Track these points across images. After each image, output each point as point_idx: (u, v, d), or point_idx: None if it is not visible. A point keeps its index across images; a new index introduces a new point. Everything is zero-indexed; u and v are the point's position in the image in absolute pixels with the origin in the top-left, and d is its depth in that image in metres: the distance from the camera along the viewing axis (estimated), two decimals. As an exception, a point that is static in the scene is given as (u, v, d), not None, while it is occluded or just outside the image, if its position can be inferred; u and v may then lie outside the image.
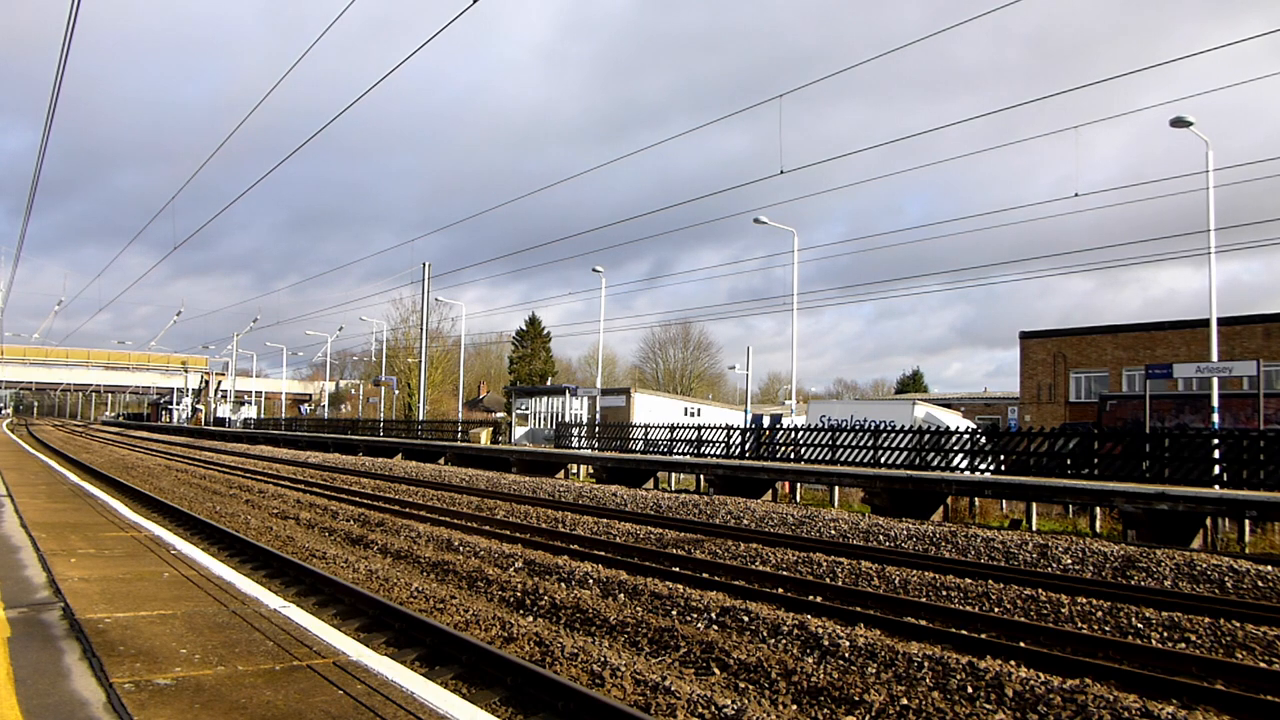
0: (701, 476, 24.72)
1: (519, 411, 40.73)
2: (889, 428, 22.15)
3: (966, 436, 21.25)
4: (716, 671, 6.74)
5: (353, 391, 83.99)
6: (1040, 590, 9.59)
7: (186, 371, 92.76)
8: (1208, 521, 15.18)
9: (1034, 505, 18.29)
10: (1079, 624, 8.49)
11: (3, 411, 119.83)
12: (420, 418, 50.60)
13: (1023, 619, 8.62)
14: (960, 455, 20.25)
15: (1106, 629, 8.28)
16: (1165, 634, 8.02)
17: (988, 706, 5.80)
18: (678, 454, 27.66)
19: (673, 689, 6.22)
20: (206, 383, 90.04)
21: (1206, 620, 8.24)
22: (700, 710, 5.82)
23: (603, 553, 12.30)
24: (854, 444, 22.51)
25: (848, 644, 7.10)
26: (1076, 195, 23.72)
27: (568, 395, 39.54)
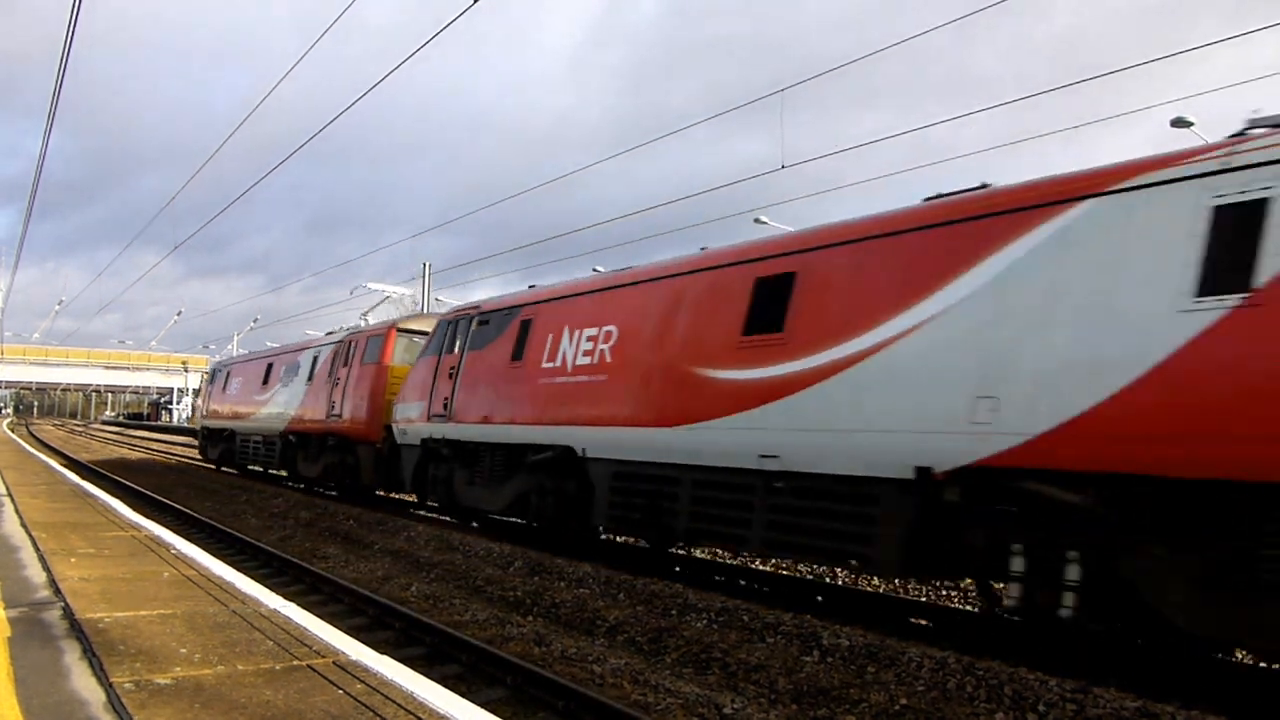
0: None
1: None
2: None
3: None
4: (716, 671, 6.74)
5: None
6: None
7: (187, 371, 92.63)
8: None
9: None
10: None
11: (3, 411, 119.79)
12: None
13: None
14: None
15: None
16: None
17: (988, 706, 5.80)
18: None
19: (673, 688, 6.23)
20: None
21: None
22: (700, 710, 5.83)
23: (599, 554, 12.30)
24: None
25: (848, 644, 7.09)
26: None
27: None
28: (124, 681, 3.86)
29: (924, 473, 6.99)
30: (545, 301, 12.06)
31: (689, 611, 8.24)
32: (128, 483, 21.98)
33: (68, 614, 5.11)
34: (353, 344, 18.29)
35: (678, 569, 10.98)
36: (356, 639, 5.00)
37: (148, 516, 11.10)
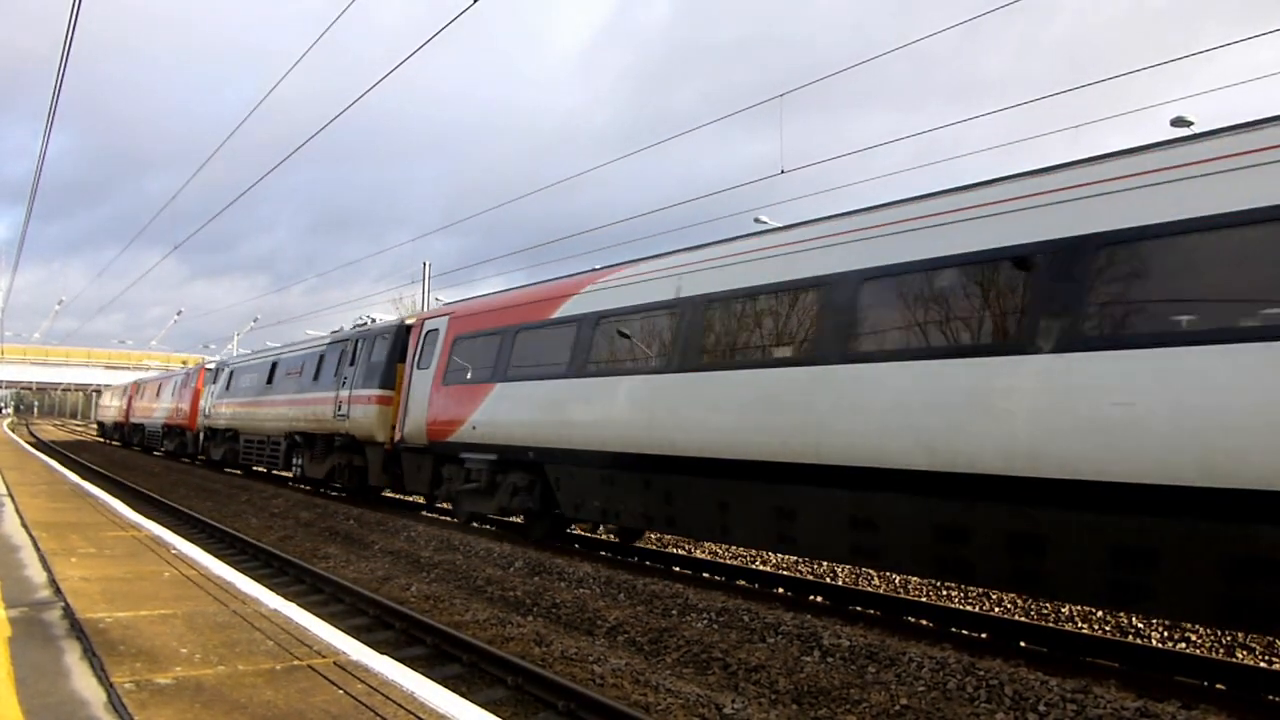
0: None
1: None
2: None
3: None
4: (717, 671, 6.74)
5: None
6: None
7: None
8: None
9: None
10: (1079, 623, 8.50)
11: (3, 411, 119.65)
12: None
13: (1022, 619, 8.63)
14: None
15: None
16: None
17: (989, 706, 5.80)
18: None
19: (673, 688, 6.23)
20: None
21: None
22: (700, 710, 5.83)
23: (603, 552, 12.30)
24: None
25: (848, 644, 7.10)
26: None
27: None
28: (124, 681, 3.86)
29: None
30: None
31: (689, 612, 8.24)
32: (128, 482, 21.98)
33: (68, 614, 5.11)
34: None
35: (677, 569, 10.99)
36: (357, 639, 4.99)
37: (148, 516, 11.09)
